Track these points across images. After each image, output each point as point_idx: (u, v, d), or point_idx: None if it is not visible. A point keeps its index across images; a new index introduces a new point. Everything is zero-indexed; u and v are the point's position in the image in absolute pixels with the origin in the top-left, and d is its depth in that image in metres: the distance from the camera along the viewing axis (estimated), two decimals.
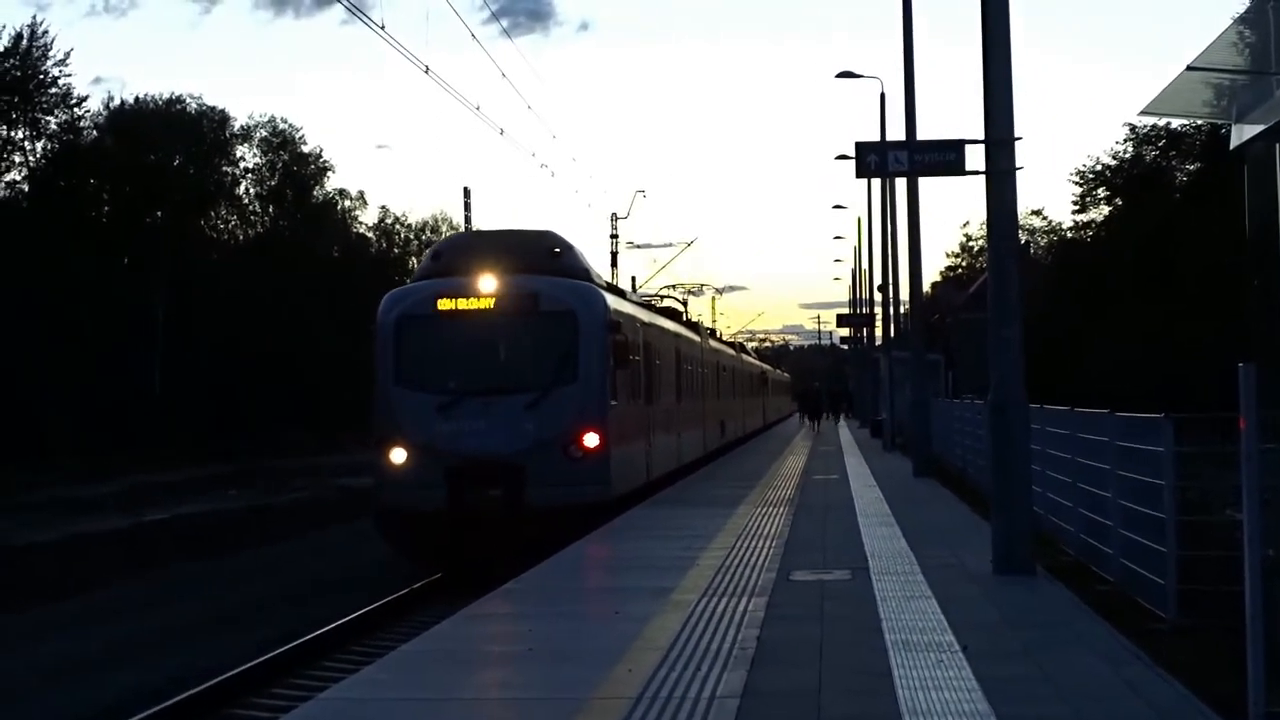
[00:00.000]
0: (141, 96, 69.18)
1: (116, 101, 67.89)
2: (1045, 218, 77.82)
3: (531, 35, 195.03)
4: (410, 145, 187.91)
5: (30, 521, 30.39)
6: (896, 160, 14.54)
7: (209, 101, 73.94)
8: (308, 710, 8.82)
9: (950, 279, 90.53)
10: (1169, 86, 14.93)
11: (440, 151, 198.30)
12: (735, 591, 12.60)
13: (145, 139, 64.66)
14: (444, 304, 20.11)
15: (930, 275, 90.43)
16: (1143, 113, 22.36)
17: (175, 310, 61.05)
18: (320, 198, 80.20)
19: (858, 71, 36.97)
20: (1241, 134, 14.54)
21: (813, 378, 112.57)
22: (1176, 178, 56.37)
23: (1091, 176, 60.02)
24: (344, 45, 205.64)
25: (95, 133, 64.48)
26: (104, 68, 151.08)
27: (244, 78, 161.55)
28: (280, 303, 66.10)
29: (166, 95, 69.40)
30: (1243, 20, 16.39)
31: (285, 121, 77.10)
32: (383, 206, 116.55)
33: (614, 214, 57.38)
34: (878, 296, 50.24)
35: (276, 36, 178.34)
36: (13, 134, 59.44)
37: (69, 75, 60.72)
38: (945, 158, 14.11)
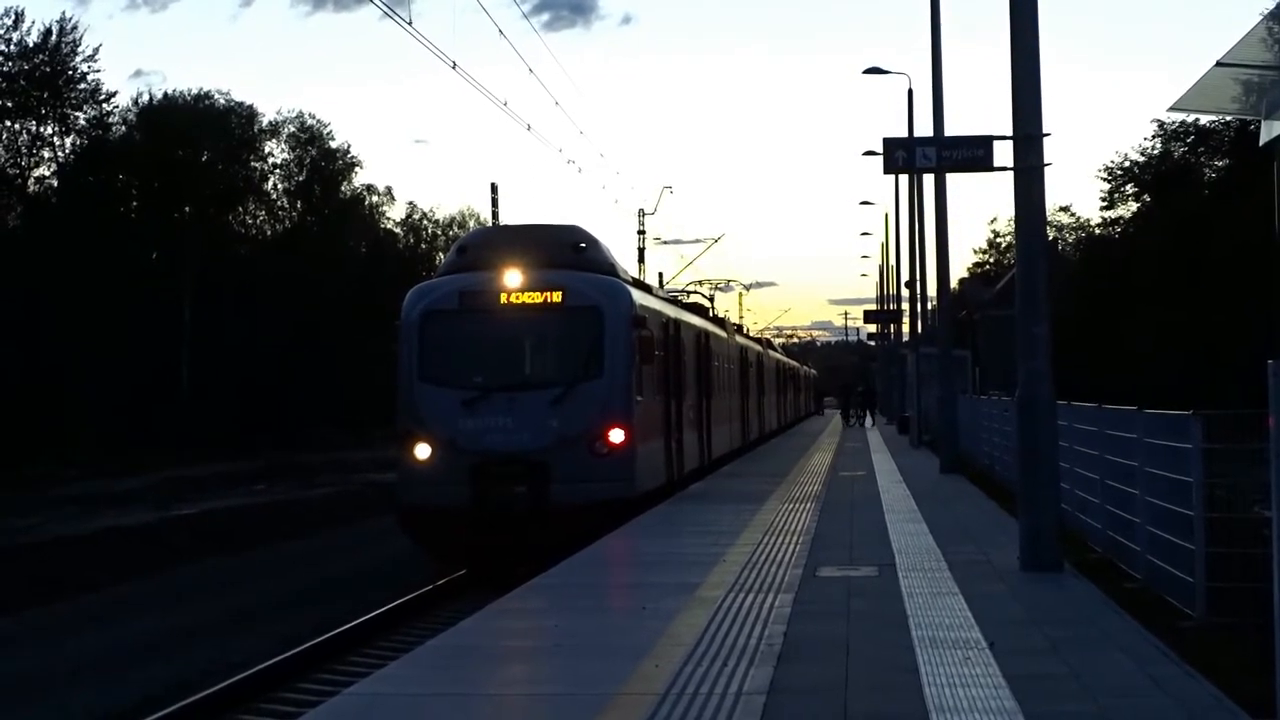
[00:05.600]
0: (170, 92, 69.56)
1: (146, 97, 68.23)
2: (1073, 214, 77.48)
3: (573, 29, 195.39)
4: (440, 141, 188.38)
5: (59, 516, 30.53)
6: (924, 156, 14.49)
7: (245, 94, 74.89)
8: (334, 705, 8.84)
9: (978, 275, 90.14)
10: (1198, 82, 14.87)
11: (469, 147, 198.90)
12: (762, 588, 12.59)
13: (174, 135, 64.88)
14: (469, 299, 20.05)
15: (958, 271, 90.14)
16: (1172, 109, 22.32)
17: (203, 305, 61.25)
18: (348, 193, 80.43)
19: (885, 67, 36.90)
20: (1271, 130, 14.46)
21: (845, 375, 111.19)
22: (1205, 174, 56.11)
23: (1120, 173, 59.79)
24: (381, 40, 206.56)
25: (124, 128, 64.76)
26: (144, 61, 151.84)
27: (282, 71, 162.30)
28: (308, 298, 66.27)
29: (195, 91, 69.78)
30: (1273, 17, 16.30)
31: (313, 117, 77.54)
32: (410, 202, 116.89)
33: (641, 210, 57.47)
34: (905, 293, 50.15)
35: (314, 30, 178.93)
36: (42, 129, 59.73)
37: (98, 71, 61.00)
38: (973, 154, 14.06)
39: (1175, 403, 14.03)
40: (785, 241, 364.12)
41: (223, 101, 70.47)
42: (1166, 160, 56.75)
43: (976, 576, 13.05)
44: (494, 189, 52.73)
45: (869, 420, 64.43)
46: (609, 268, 21.56)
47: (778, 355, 64.78)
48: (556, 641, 10.35)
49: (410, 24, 20.83)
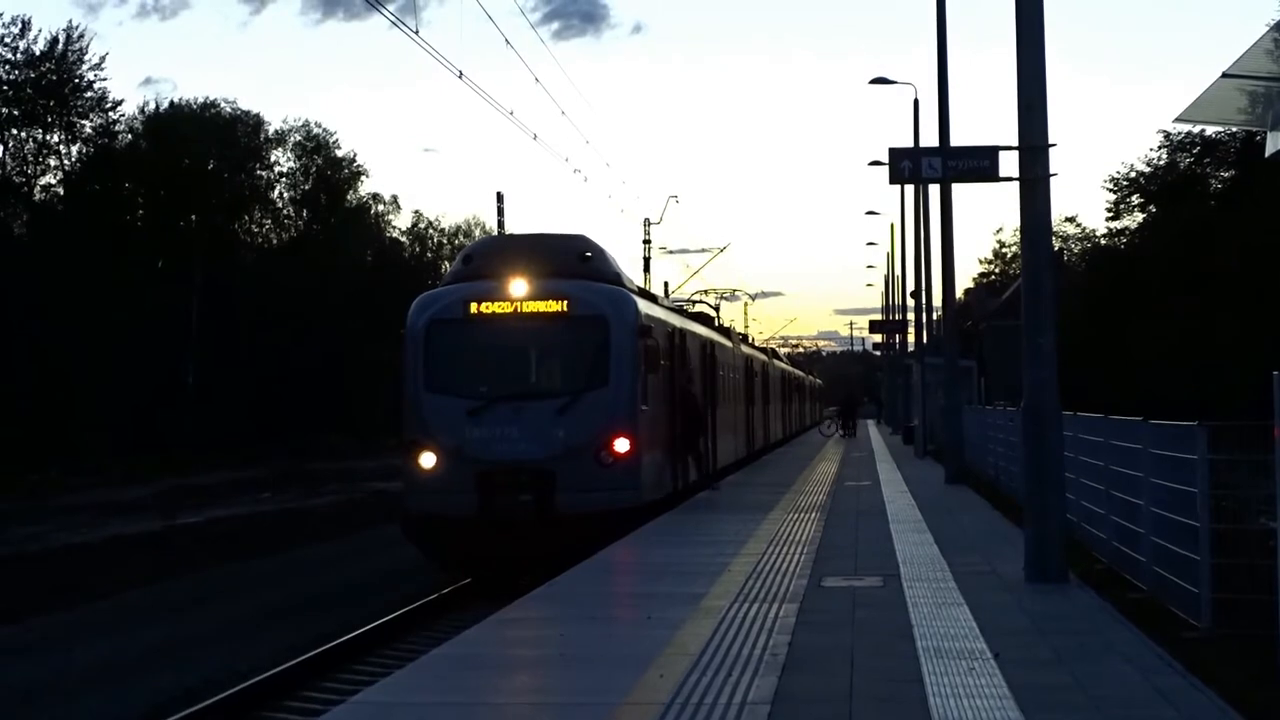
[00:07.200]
0: (177, 100, 69.67)
1: (152, 106, 68.37)
2: (1079, 224, 77.70)
3: (584, 38, 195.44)
4: (446, 150, 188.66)
5: (66, 524, 30.55)
6: (930, 167, 14.50)
7: (254, 102, 74.87)
8: (338, 714, 8.85)
9: (983, 285, 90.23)
10: (1204, 93, 14.86)
11: (475, 156, 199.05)
12: (767, 598, 12.60)
13: (180, 143, 64.97)
14: (474, 308, 20.08)
15: (963, 281, 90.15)
16: (1178, 119, 22.22)
17: (209, 314, 61.30)
18: (354, 202, 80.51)
19: (892, 78, 36.92)
20: (1277, 141, 14.45)
21: (848, 384, 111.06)
22: (1211, 185, 56.06)
23: (1126, 183, 59.75)
24: (388, 48, 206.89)
25: (130, 136, 64.86)
26: (153, 68, 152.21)
27: (290, 79, 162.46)
28: (314, 306, 66.32)
29: (202, 99, 69.90)
30: (1279, 28, 16.29)
31: (319, 125, 77.65)
32: (416, 211, 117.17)
33: (647, 219, 57.37)
34: (910, 303, 50.13)
35: (324, 37, 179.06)
36: (49, 138, 59.80)
37: (105, 79, 61.08)
38: (979, 164, 14.06)
39: (1181, 413, 14.02)
40: (791, 251, 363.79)
41: (229, 110, 70.62)
42: (1172, 171, 56.71)
43: (981, 587, 13.06)
44: (500, 198, 52.77)
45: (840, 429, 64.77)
46: (614, 277, 21.57)
47: (783, 365, 64.78)
48: (562, 651, 10.37)
49: (417, 33, 20.86)
